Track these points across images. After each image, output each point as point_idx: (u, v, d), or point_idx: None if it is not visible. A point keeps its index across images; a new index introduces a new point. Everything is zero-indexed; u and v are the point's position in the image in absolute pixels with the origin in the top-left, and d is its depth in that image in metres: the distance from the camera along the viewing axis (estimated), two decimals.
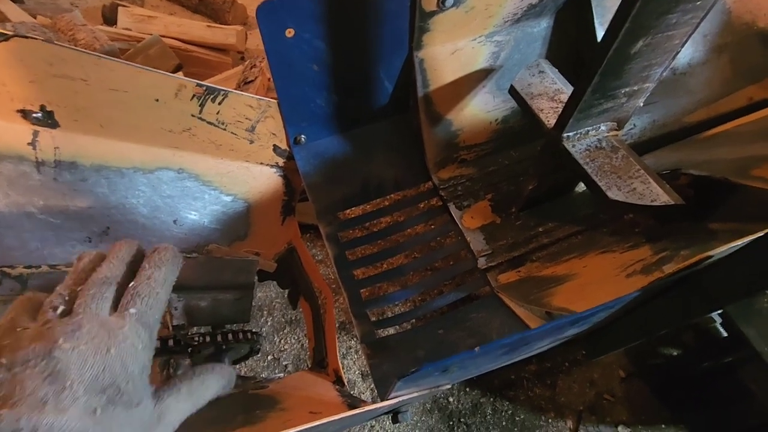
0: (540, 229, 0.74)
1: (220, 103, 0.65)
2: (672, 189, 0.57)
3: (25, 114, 0.56)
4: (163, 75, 0.59)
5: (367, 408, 0.43)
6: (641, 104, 0.61)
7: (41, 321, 0.30)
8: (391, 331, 0.70)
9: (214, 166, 0.73)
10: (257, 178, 0.78)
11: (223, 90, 0.63)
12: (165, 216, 0.70)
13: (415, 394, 0.46)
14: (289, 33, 0.60)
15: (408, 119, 0.82)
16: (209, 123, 0.66)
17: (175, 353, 0.67)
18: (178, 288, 0.72)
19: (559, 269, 0.69)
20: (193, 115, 0.65)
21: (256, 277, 0.83)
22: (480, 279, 0.72)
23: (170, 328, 0.69)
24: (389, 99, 0.79)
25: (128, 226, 0.67)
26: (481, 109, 0.81)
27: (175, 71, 1.30)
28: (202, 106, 0.64)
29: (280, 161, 0.79)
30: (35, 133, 0.57)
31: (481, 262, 0.73)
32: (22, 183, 0.58)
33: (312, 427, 0.41)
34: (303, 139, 0.77)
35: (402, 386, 0.39)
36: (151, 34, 1.43)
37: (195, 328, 0.76)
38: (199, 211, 0.74)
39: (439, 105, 0.78)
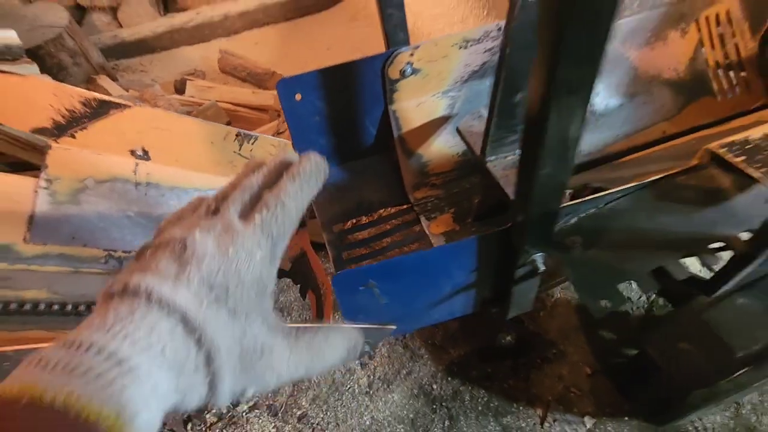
0: None
1: (252, 144, 0.95)
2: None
3: (132, 152, 0.88)
4: (216, 126, 0.90)
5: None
6: None
7: (196, 216, 0.33)
8: None
9: None
10: None
11: (255, 135, 0.94)
12: None
13: (365, 326, 0.68)
14: (298, 97, 0.91)
15: (390, 154, 1.10)
16: (245, 157, 0.97)
17: None
18: None
19: None
20: (234, 152, 0.95)
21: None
22: None
23: None
24: (374, 140, 1.07)
25: None
26: (444, 145, 1.07)
27: None
28: (240, 145, 0.95)
29: None
30: (137, 164, 0.89)
31: None
32: (126, 196, 0.89)
33: None
34: None
35: (344, 300, 0.62)
36: (210, 100, 1.85)
37: None
38: None
39: (411, 144, 1.05)
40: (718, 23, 1.06)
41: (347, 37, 2.36)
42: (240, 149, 0.95)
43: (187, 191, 0.96)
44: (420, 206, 1.06)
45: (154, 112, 0.86)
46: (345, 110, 0.99)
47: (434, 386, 1.21)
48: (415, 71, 0.95)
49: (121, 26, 2.36)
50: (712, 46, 1.07)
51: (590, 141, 1.03)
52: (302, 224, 1.12)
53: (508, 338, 1.27)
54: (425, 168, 1.07)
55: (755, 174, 0.53)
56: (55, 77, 1.86)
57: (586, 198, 0.59)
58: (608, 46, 0.48)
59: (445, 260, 0.64)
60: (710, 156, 0.58)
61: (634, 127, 1.04)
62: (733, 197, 0.54)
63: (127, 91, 1.85)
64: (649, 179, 0.60)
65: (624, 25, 1.02)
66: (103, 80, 1.91)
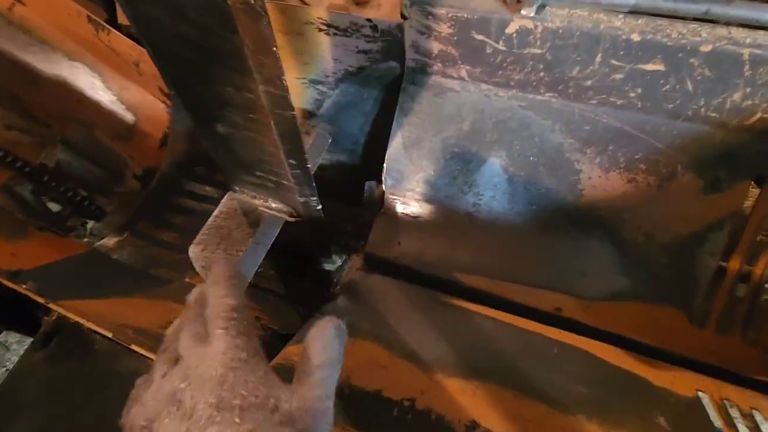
0: None
1: (108, 34, 0.87)
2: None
3: None
4: (70, 4, 0.83)
5: None
6: (299, 198, 0.57)
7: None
8: None
9: (116, 78, 0.97)
10: (147, 102, 0.99)
11: (108, 27, 0.85)
12: (68, 96, 0.98)
13: None
14: None
15: None
16: (105, 46, 0.89)
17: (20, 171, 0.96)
18: (66, 143, 1.01)
19: None
20: (93, 35, 0.88)
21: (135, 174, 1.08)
22: None
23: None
24: None
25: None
26: None
27: None
28: (97, 31, 0.87)
29: (167, 100, 0.99)
30: (13, 4, 0.89)
31: None
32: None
33: None
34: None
35: None
36: None
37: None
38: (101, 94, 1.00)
39: None
40: None
41: None
42: (97, 34, 0.87)
43: (54, 51, 0.94)
44: None
45: None
46: None
47: None
48: None
49: None
50: (750, 256, 0.54)
51: (439, 248, 0.68)
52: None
53: None
54: None
55: None
56: None
57: None
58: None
59: None
60: None
61: (511, 270, 0.65)
62: None
63: None
64: None
65: (600, 117, 0.57)
66: None
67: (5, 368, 1.41)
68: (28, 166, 0.97)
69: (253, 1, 0.33)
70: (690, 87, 0.50)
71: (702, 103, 0.51)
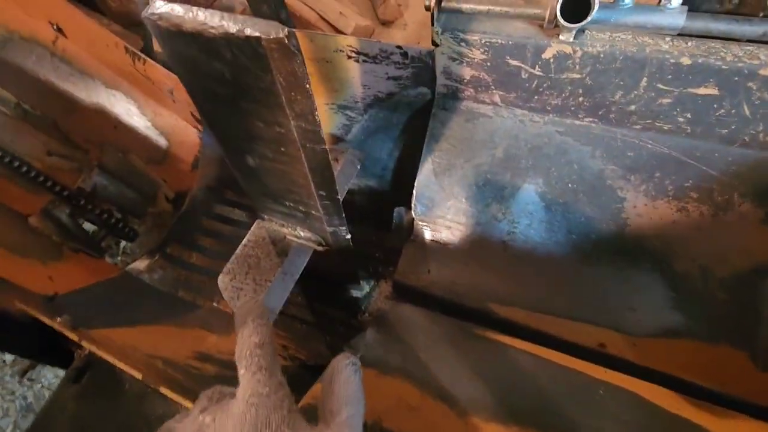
0: None
1: (144, 64, 0.89)
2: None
3: (50, 23, 0.92)
4: (108, 34, 0.86)
5: None
6: (328, 228, 0.56)
7: None
8: None
9: (150, 104, 0.99)
10: (179, 127, 1.02)
11: (144, 57, 0.87)
12: (106, 122, 1.01)
13: None
14: None
15: None
16: (141, 75, 0.92)
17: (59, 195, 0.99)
18: (102, 167, 1.04)
19: None
20: (130, 65, 0.91)
21: (167, 197, 1.10)
22: None
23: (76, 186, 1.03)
24: None
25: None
26: None
27: None
28: (133, 60, 0.90)
29: (199, 126, 1.00)
30: (57, 37, 0.93)
31: None
32: (41, 62, 0.96)
33: None
34: None
35: None
36: None
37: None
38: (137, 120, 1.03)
39: None
40: None
41: None
42: (134, 64, 0.90)
43: (93, 80, 0.98)
44: None
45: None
46: None
47: None
48: None
49: None
50: None
51: (473, 277, 0.65)
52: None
53: None
54: None
55: None
56: None
57: None
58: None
59: None
60: None
61: (559, 308, 0.61)
62: None
63: None
64: None
65: (645, 143, 0.54)
66: None
67: (41, 384, 1.45)
68: (67, 190, 0.99)
69: (287, 42, 0.33)
70: (747, 112, 0.47)
71: (760, 128, 0.47)
